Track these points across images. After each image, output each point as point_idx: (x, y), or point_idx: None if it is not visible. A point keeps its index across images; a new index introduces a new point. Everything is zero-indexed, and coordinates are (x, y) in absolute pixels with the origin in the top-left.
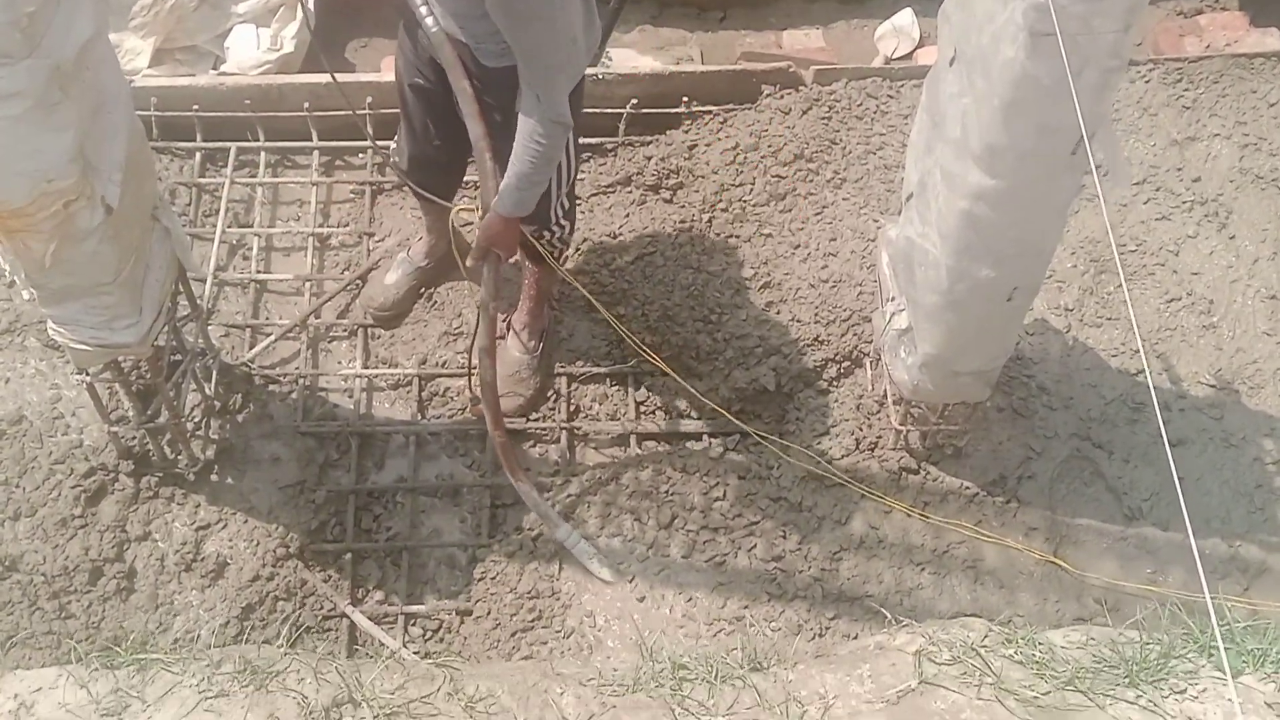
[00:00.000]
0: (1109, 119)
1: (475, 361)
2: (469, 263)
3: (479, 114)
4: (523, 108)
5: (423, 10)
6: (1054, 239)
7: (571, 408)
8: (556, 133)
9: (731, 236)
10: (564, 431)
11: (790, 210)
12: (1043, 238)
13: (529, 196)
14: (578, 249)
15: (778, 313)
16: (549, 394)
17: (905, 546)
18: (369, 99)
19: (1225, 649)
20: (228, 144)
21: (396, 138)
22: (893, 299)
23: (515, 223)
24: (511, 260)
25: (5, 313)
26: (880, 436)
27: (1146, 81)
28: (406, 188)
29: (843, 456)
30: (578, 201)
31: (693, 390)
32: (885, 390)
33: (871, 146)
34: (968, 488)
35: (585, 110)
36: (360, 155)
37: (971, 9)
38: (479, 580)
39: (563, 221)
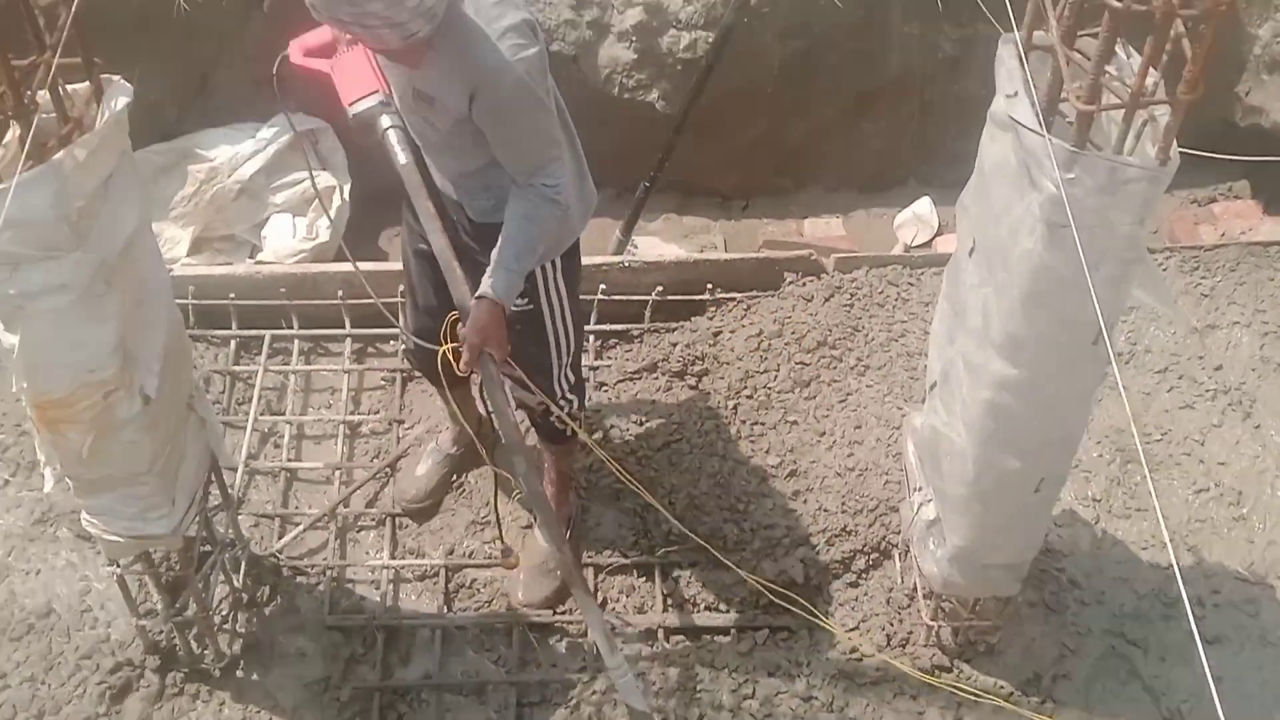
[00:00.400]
0: (1145, 254)
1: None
2: (461, 367)
3: (442, 229)
4: (514, 189)
5: (396, 147)
6: (1079, 429)
7: (599, 600)
8: (553, 209)
9: (757, 423)
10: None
11: (815, 397)
12: (1068, 427)
13: (517, 278)
14: (604, 435)
15: (804, 501)
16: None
17: None
18: (400, 286)
19: None
20: (262, 331)
21: (401, 316)
22: (919, 489)
23: (499, 314)
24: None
25: (38, 503)
26: (912, 632)
27: (1164, 269)
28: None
29: (874, 654)
30: (604, 387)
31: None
32: (915, 583)
33: (894, 334)
34: (1002, 687)
35: (614, 297)
36: (391, 343)
37: (989, 201)
38: None
39: (569, 396)
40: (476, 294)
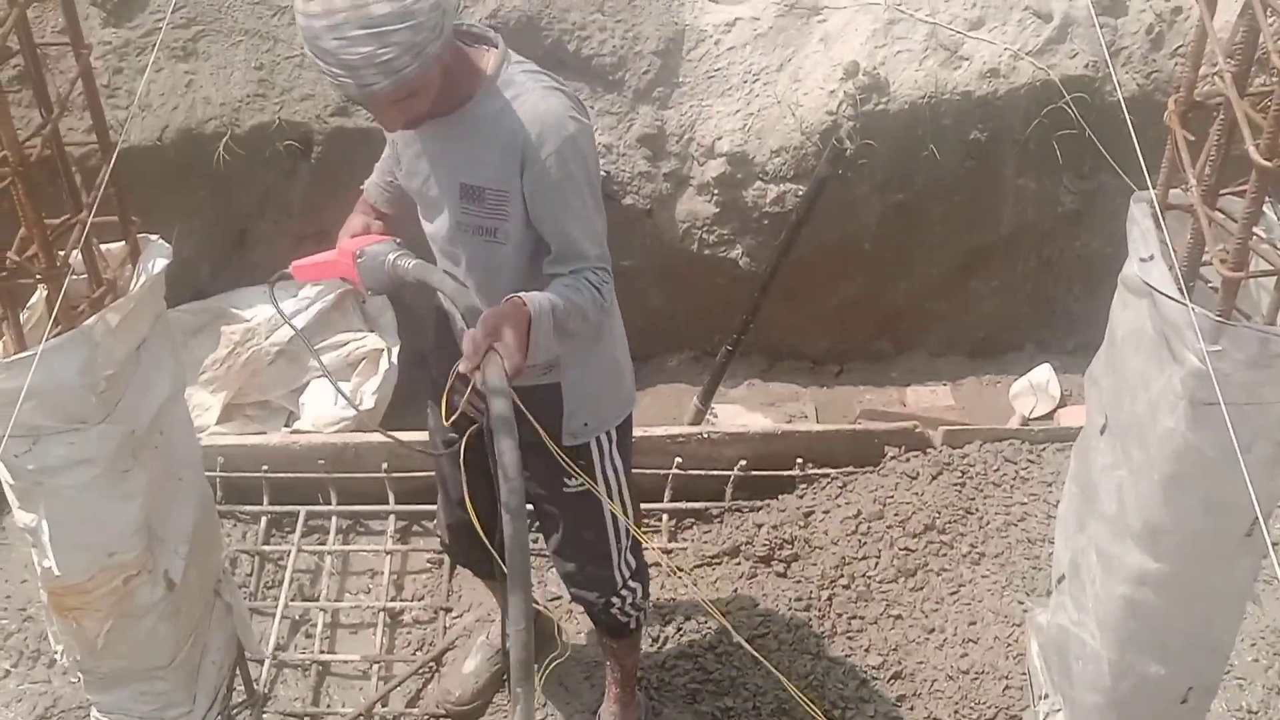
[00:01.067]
0: None
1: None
2: (461, 366)
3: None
4: (555, 262)
5: (408, 261)
6: (1232, 630)
7: None
8: (597, 276)
9: (855, 617)
10: None
11: (922, 588)
12: (1219, 629)
13: (548, 320)
14: (679, 628)
15: (911, 708)
16: None
17: None
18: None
19: None
20: (297, 507)
21: (437, 513)
22: (1046, 696)
23: (527, 320)
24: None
25: (43, 696)
26: None
27: None
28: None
29: None
30: (679, 574)
31: None
32: None
33: (1012, 517)
34: None
35: (690, 471)
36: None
37: (1123, 374)
38: None
39: (632, 584)
40: (506, 297)
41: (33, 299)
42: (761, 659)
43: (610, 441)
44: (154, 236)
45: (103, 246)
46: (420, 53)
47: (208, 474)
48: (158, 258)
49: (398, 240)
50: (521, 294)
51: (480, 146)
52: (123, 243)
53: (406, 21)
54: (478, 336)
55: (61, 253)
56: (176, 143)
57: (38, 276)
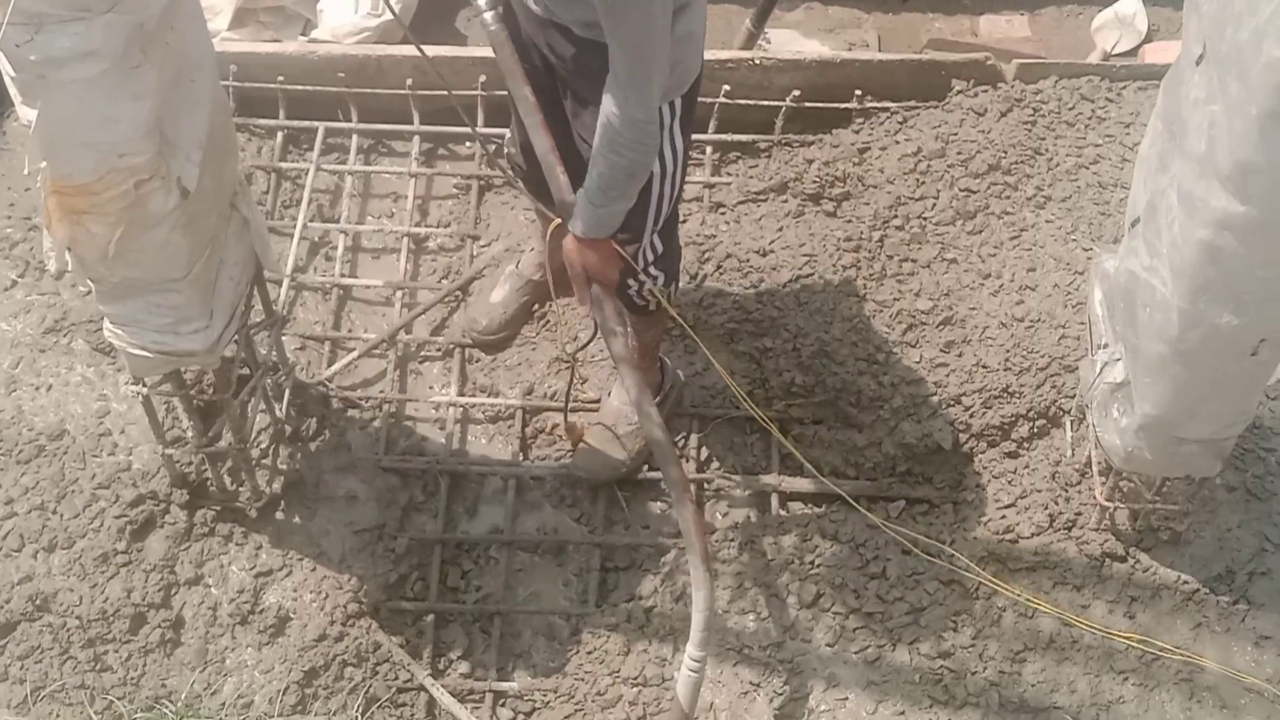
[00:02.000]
0: None
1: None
2: (578, 303)
3: (544, 125)
4: (604, 107)
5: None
6: None
7: (702, 456)
8: (645, 136)
9: (907, 259)
10: (692, 485)
11: (981, 232)
12: None
13: (607, 215)
14: (718, 266)
15: (959, 355)
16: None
17: (1105, 650)
18: (482, 78)
19: None
20: (315, 123)
21: (510, 128)
22: (1105, 346)
23: (599, 245)
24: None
25: (51, 309)
26: (1080, 513)
27: None
28: (517, 186)
29: (1032, 535)
30: (722, 209)
31: (851, 444)
32: (1089, 457)
33: (1084, 159)
34: (1186, 582)
35: (738, 101)
36: (468, 144)
37: None
38: (581, 656)
39: (654, 272)
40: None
41: None
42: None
43: (673, 116)
44: None
45: None
46: None
47: (222, 83)
48: None
49: None
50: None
51: None
52: None
53: None
54: (576, 274)
55: None
56: None
57: None
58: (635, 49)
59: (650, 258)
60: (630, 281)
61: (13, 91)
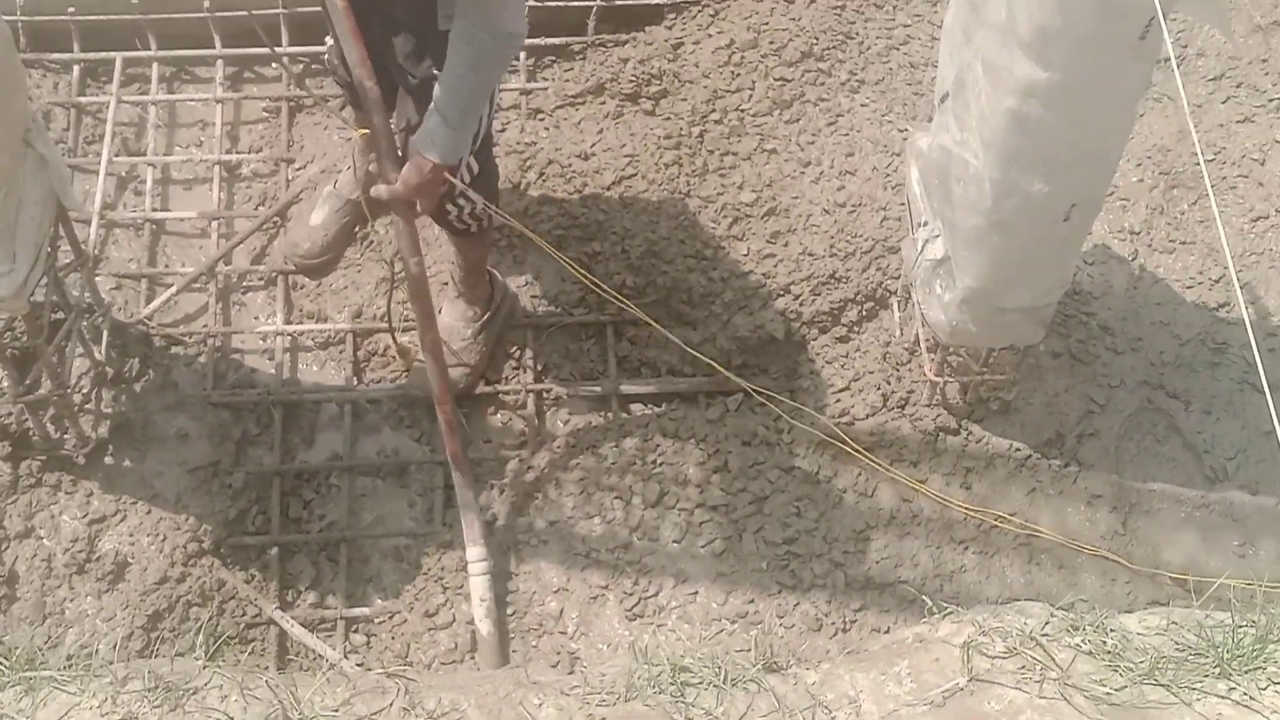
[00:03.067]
0: None
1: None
2: (391, 219)
3: (355, 31)
4: (466, 29)
5: None
6: (1119, 145)
7: (539, 366)
8: (514, 50)
9: (728, 153)
10: (530, 395)
11: (798, 120)
12: (1105, 143)
13: (464, 139)
14: (541, 173)
15: (785, 245)
16: (504, 356)
17: (944, 522)
18: None
19: None
20: (112, 54)
21: (329, 38)
22: (925, 224)
23: (443, 171)
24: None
25: None
26: (912, 391)
27: None
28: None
29: (867, 416)
30: (540, 115)
31: (683, 343)
32: (917, 335)
33: (894, 40)
34: (1018, 449)
35: (549, 4)
36: (273, 66)
37: None
38: (431, 577)
39: (472, 195)
40: (416, 145)
41: None
42: None
43: None
44: None
45: None
46: None
47: (8, 18)
48: None
49: None
50: (426, 138)
51: None
52: None
53: None
54: (406, 197)
55: None
56: None
57: None
58: None
59: (467, 179)
60: (449, 206)
61: None
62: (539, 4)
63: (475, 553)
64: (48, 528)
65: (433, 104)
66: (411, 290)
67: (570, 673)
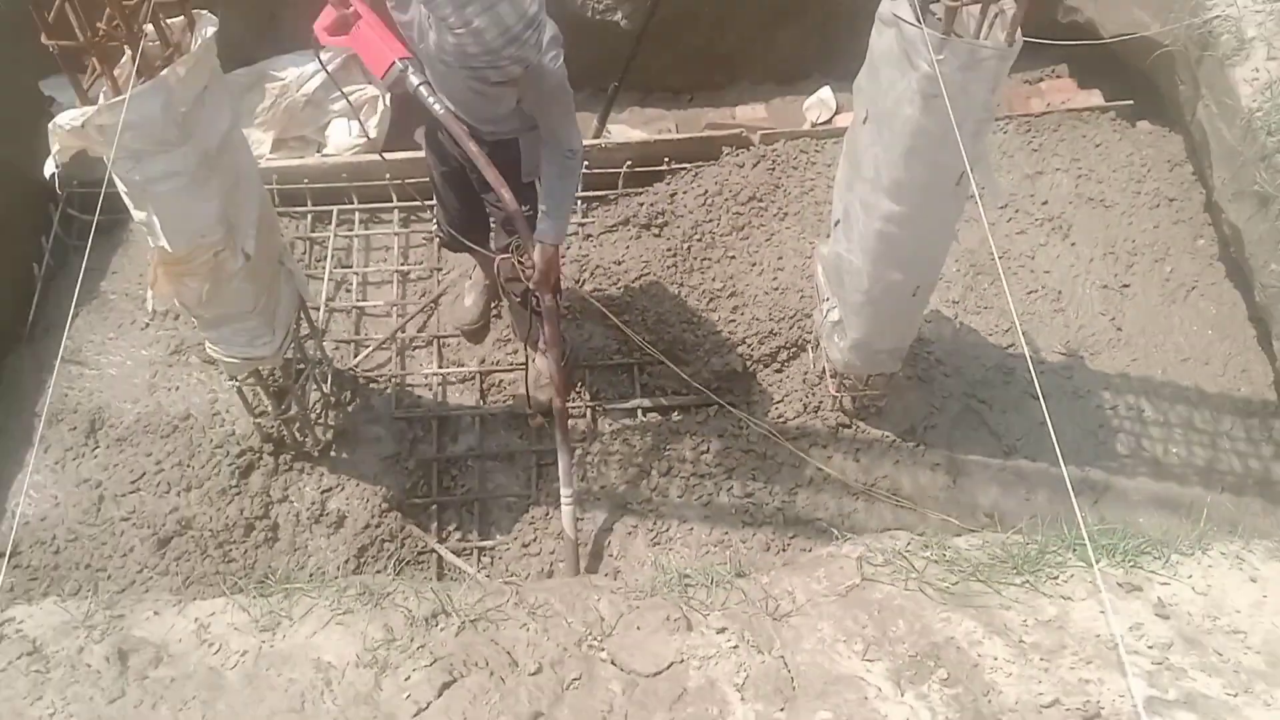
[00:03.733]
0: (986, 157)
1: (542, 368)
2: (546, 300)
3: (500, 179)
4: (547, 153)
5: (431, 100)
6: (945, 249)
7: (594, 391)
8: (576, 163)
9: (705, 259)
10: (589, 409)
11: (748, 238)
12: (937, 249)
13: (565, 225)
14: (592, 274)
15: (741, 314)
16: (574, 384)
17: (843, 482)
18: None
19: (1085, 545)
20: (331, 207)
21: (435, 212)
22: (827, 299)
23: (557, 251)
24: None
25: (173, 337)
26: (821, 402)
27: (1005, 132)
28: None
29: (795, 417)
30: (590, 238)
31: (681, 374)
32: (824, 367)
33: (806, 188)
34: (888, 437)
35: (594, 170)
36: (427, 212)
37: (878, 81)
38: (530, 522)
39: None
40: (537, 238)
41: (122, 59)
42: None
43: None
44: (204, 11)
45: (167, 20)
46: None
47: (268, 186)
48: (208, 26)
49: (406, 64)
50: (542, 229)
51: None
52: (181, 16)
53: None
54: (542, 280)
55: (138, 25)
56: None
57: (123, 41)
58: (566, 110)
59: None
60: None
61: (127, 201)
62: (588, 171)
63: (566, 492)
64: (296, 495)
65: (540, 209)
66: (547, 318)
67: (615, 579)
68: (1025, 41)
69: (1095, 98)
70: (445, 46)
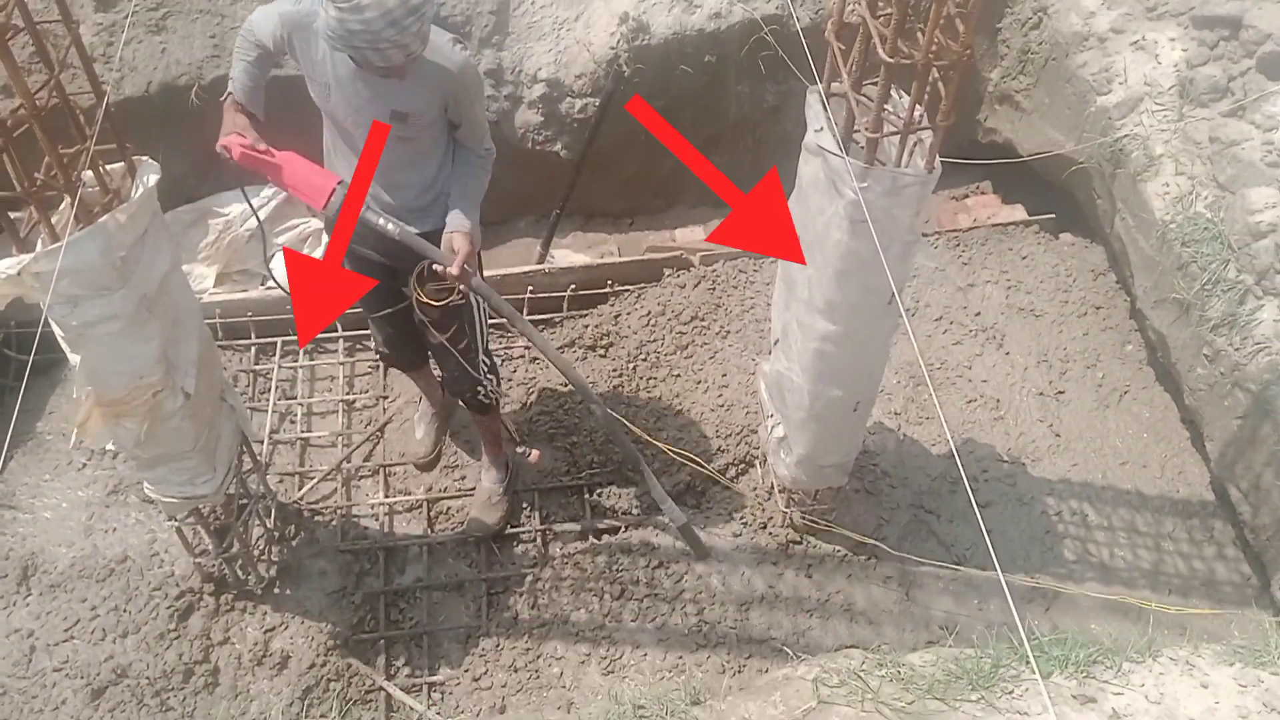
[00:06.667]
0: (921, 237)
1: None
2: (457, 279)
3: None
4: (464, 154)
5: (382, 221)
6: (882, 364)
7: (544, 514)
8: (489, 161)
9: (650, 378)
10: (539, 533)
11: (692, 356)
12: (874, 364)
13: (476, 214)
14: (538, 395)
15: (689, 431)
16: (520, 508)
17: (796, 598)
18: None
19: (1036, 657)
20: (275, 338)
21: (371, 333)
22: (771, 415)
23: (473, 239)
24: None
25: (111, 477)
26: (771, 517)
27: (936, 247)
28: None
29: (742, 533)
30: (538, 360)
31: (631, 495)
32: (772, 483)
33: (746, 307)
34: (839, 551)
35: (539, 295)
36: (370, 341)
37: (807, 207)
38: (481, 654)
39: (489, 376)
40: (452, 229)
41: (61, 206)
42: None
43: (480, 274)
44: (145, 157)
45: (108, 167)
46: (424, 37)
47: (210, 321)
48: (150, 173)
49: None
50: (459, 221)
51: (412, 89)
52: (121, 163)
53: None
54: (463, 262)
55: (76, 172)
56: (159, 93)
57: (62, 189)
58: (484, 107)
59: (484, 369)
60: (479, 389)
61: (63, 344)
62: (533, 295)
63: (668, 505)
64: (238, 636)
65: (452, 204)
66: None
67: (569, 712)
68: (949, 161)
69: (1019, 212)
70: (331, 27)
